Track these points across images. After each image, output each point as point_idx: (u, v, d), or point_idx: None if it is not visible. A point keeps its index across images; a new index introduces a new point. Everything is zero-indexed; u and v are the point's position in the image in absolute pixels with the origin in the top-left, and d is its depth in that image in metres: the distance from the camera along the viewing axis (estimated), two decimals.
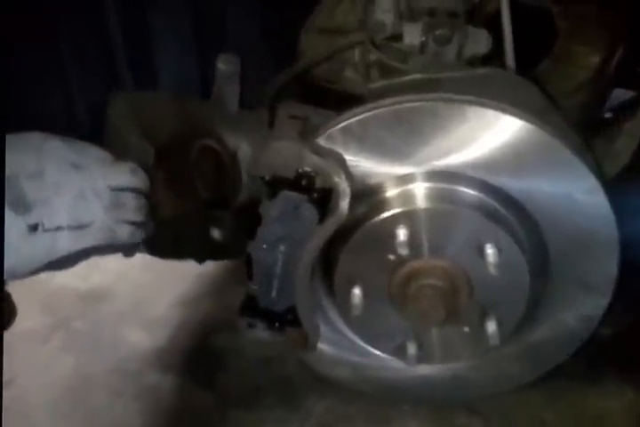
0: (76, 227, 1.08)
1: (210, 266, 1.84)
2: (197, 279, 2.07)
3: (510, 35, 1.41)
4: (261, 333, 1.22)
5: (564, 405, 1.55)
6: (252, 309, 1.23)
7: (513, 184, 1.22)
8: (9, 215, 1.02)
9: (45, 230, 1.04)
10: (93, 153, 1.13)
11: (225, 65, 1.39)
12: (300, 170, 1.16)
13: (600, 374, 1.59)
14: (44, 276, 1.82)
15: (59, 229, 1.06)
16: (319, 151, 1.17)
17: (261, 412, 1.58)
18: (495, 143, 1.20)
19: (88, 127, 1.81)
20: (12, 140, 1.09)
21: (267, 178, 1.16)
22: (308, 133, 1.22)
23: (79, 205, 1.08)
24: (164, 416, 1.61)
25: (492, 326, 1.25)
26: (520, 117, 1.19)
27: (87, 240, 1.09)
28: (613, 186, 1.30)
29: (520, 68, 1.44)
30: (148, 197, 1.17)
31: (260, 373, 1.69)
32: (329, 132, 1.22)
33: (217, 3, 1.77)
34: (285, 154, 1.16)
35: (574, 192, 1.21)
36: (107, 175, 1.11)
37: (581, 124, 1.49)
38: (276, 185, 1.16)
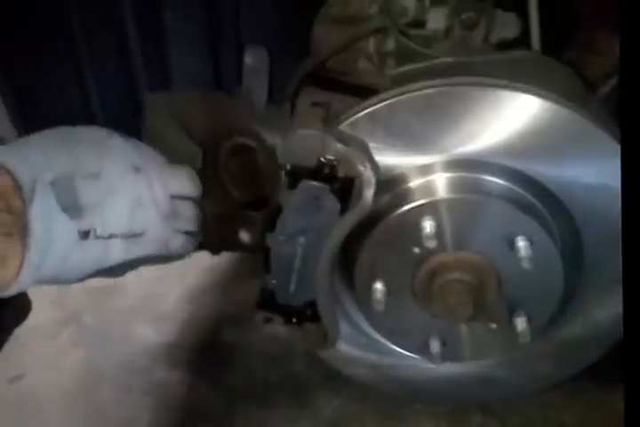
0: (130, 235, 1.02)
1: (219, 259, 1.85)
2: (207, 274, 2.09)
3: (537, 19, 1.36)
4: (278, 328, 1.18)
5: (585, 406, 1.53)
6: (269, 303, 1.19)
7: (546, 173, 1.17)
8: (60, 218, 0.96)
9: (97, 237, 0.99)
10: (153, 156, 1.09)
11: (252, 58, 1.33)
12: (321, 159, 1.11)
13: (620, 376, 1.55)
14: None
15: (111, 236, 1.00)
16: (343, 139, 1.11)
17: (270, 409, 1.58)
18: (529, 130, 1.14)
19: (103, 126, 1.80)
20: (72, 134, 1.04)
21: (287, 167, 1.11)
22: (330, 121, 1.17)
23: (135, 212, 1.02)
24: (172, 412, 1.62)
25: (521, 323, 1.20)
26: (557, 102, 1.14)
27: (140, 249, 1.04)
28: None
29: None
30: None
31: (269, 369, 1.69)
32: (353, 118, 1.17)
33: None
34: (307, 142, 1.11)
35: (612, 182, 1.15)
36: (166, 181, 1.07)
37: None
38: (296, 175, 1.11)
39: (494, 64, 1.23)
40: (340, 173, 1.11)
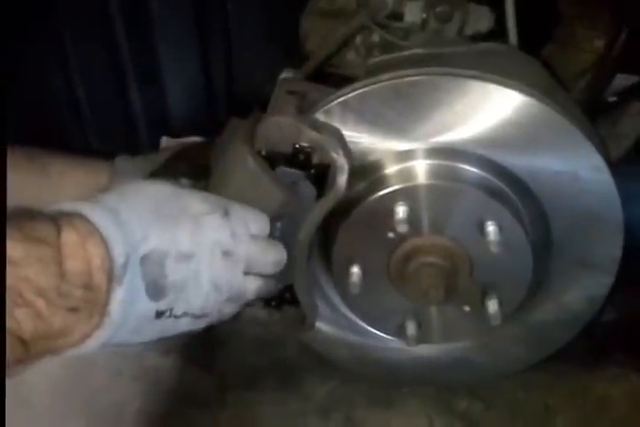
0: (201, 316, 1.00)
1: None
2: None
3: (513, 12, 1.39)
4: (259, 311, 1.19)
5: (568, 389, 1.54)
6: None
7: (515, 161, 1.20)
8: (142, 299, 0.90)
9: (171, 316, 0.95)
10: (246, 239, 1.03)
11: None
12: (297, 145, 1.14)
13: (604, 359, 1.59)
14: None
15: (184, 315, 0.97)
16: (317, 126, 1.15)
17: (260, 393, 1.58)
18: (497, 119, 1.17)
19: (94, 129, 1.82)
20: (169, 201, 0.97)
21: (263, 153, 1.14)
22: (306, 109, 1.20)
23: (212, 295, 0.99)
24: (163, 397, 1.61)
25: (493, 306, 1.23)
26: (524, 92, 1.16)
27: (203, 324, 1.03)
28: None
29: (524, 51, 1.42)
30: None
31: (259, 355, 1.68)
32: (327, 107, 1.20)
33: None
34: (282, 129, 1.14)
35: (579, 170, 1.19)
36: (249, 281, 1.05)
37: (585, 108, 1.47)
38: (272, 161, 1.14)
39: (463, 55, 1.26)
40: (315, 160, 1.14)
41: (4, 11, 1.37)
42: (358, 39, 1.51)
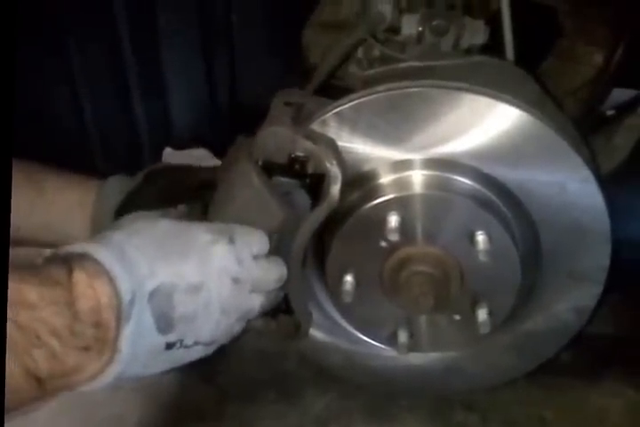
0: (211, 343, 1.03)
1: None
2: None
3: (510, 26, 1.42)
4: (255, 321, 1.20)
5: (564, 403, 1.54)
6: None
7: (505, 172, 1.22)
8: (152, 334, 0.93)
9: (181, 347, 0.98)
10: (250, 262, 1.05)
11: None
12: (292, 155, 1.17)
13: (602, 373, 1.59)
14: None
15: (196, 344, 0.99)
16: (312, 136, 1.18)
17: (260, 406, 1.59)
18: (487, 131, 1.20)
19: (98, 140, 1.84)
20: (173, 234, 1.00)
21: (260, 163, 1.17)
22: (302, 119, 1.23)
23: (222, 321, 1.01)
24: (162, 410, 1.61)
25: (482, 315, 1.25)
26: (513, 105, 1.19)
27: (214, 348, 1.05)
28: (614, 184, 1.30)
29: (523, 65, 1.44)
30: None
31: (259, 368, 1.69)
32: (323, 117, 1.23)
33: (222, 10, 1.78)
34: (278, 139, 1.16)
35: (567, 182, 1.21)
36: (255, 299, 1.08)
37: (582, 121, 1.50)
38: (269, 170, 1.17)
39: (458, 68, 1.28)
40: (310, 170, 1.17)
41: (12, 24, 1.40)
42: (360, 52, 1.54)
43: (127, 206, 1.24)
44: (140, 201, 1.24)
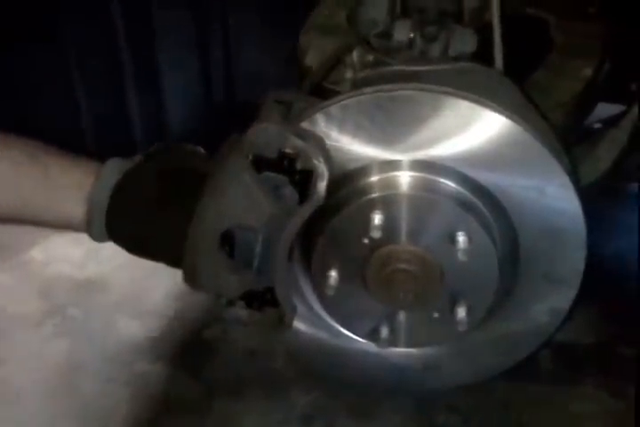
0: None
1: None
2: None
3: (499, 36, 1.45)
4: (240, 311, 1.24)
5: (544, 407, 1.59)
6: None
7: (486, 176, 1.26)
8: None
9: None
10: None
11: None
12: (282, 151, 1.20)
13: (580, 380, 1.64)
14: (40, 263, 1.85)
15: None
16: (301, 134, 1.20)
17: (246, 403, 1.62)
18: (469, 134, 1.24)
19: (93, 137, 1.86)
20: None
21: (249, 158, 1.20)
22: (292, 117, 1.27)
23: None
24: (151, 404, 1.64)
25: (461, 313, 1.28)
26: (496, 111, 1.23)
27: None
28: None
29: (511, 75, 1.47)
30: None
31: (247, 365, 1.73)
32: (312, 116, 1.27)
33: (218, 12, 1.80)
34: (268, 135, 1.19)
35: (545, 187, 1.26)
36: None
37: (568, 132, 1.54)
38: (258, 166, 1.20)
39: (443, 73, 1.33)
40: (299, 166, 1.20)
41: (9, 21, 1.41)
42: (355, 57, 1.57)
43: (124, 185, 1.27)
44: (137, 180, 1.27)
